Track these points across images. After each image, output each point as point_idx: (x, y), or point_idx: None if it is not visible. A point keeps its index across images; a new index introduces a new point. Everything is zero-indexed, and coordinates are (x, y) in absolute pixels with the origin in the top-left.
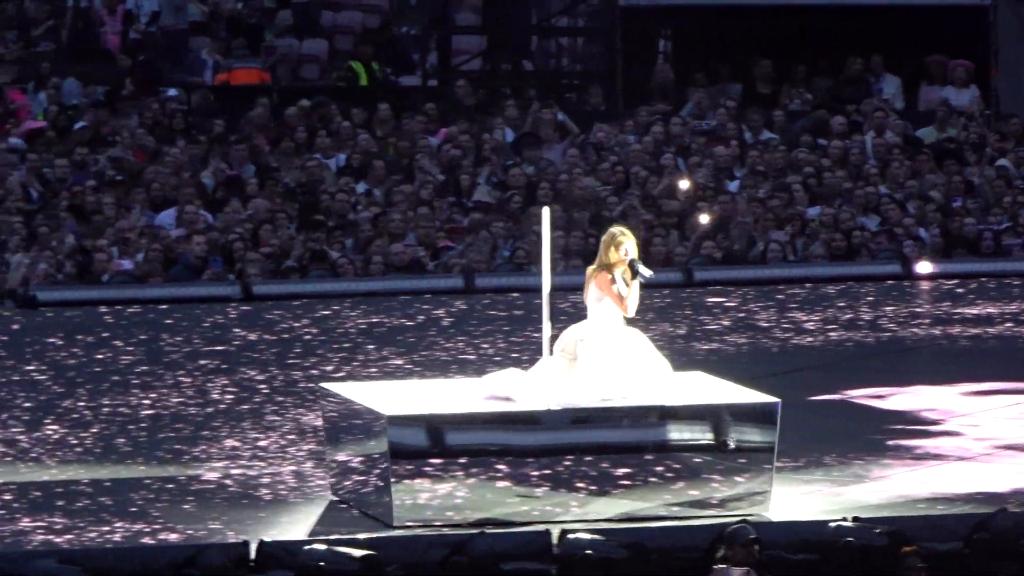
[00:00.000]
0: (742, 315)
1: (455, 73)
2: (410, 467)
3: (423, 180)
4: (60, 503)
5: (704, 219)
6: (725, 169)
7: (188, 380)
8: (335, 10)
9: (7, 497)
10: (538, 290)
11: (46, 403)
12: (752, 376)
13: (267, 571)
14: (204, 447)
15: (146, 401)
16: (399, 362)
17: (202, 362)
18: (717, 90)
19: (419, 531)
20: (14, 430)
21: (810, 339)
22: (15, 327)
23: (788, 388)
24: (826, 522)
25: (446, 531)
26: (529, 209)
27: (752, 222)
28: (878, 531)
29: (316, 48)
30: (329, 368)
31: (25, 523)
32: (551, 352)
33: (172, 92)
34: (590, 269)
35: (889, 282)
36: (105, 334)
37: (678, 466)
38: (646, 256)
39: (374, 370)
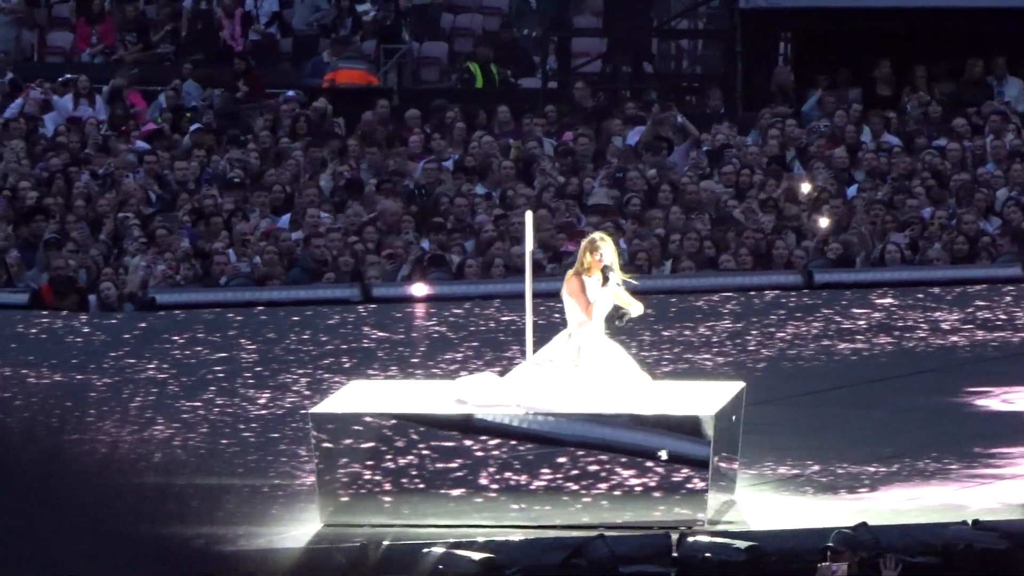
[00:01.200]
0: (879, 315)
1: (575, 75)
2: (335, 464)
3: (543, 183)
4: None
5: (823, 222)
6: (844, 172)
7: (306, 381)
8: (455, 12)
9: None
10: (661, 292)
11: (158, 403)
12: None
13: (386, 574)
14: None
15: (260, 401)
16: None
17: (325, 362)
18: (837, 92)
19: (535, 534)
20: (119, 430)
21: (940, 340)
22: (136, 329)
23: (906, 392)
24: (946, 525)
25: (564, 534)
26: (649, 211)
27: (871, 225)
28: (998, 535)
29: (436, 50)
30: (447, 368)
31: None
32: (535, 356)
33: (291, 94)
34: (568, 273)
35: (1008, 287)
36: (230, 332)
37: (603, 474)
38: (763, 258)
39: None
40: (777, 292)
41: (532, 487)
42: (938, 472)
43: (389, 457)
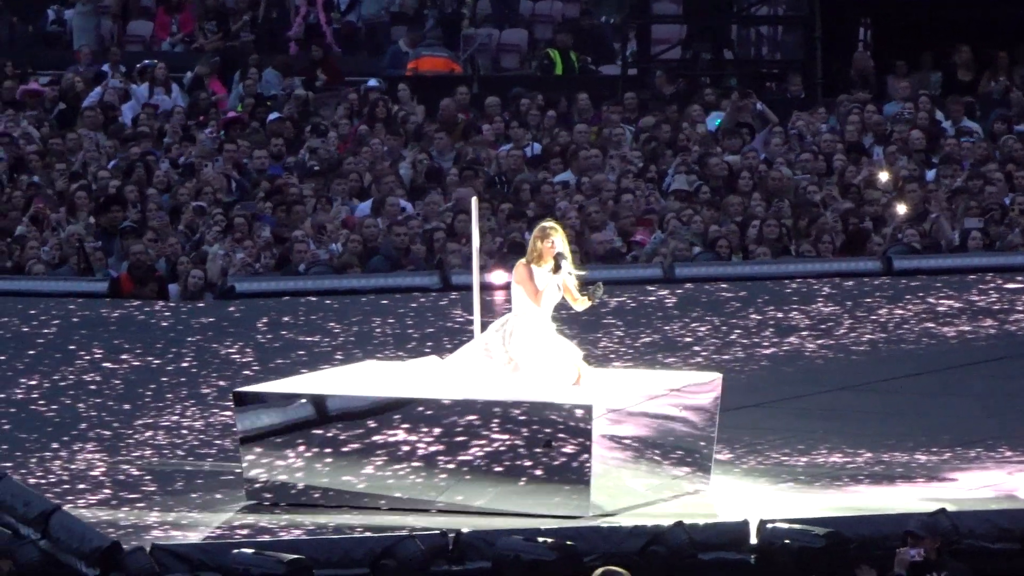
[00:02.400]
0: (976, 301)
1: (654, 62)
2: (255, 443)
3: (622, 170)
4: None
5: (902, 208)
6: (923, 157)
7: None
8: (535, 0)
9: (179, 485)
10: (737, 279)
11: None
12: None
13: (465, 561)
14: None
15: None
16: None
17: (409, 346)
18: (917, 78)
19: (610, 521)
20: (186, 416)
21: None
22: (215, 316)
23: (999, 378)
24: None
25: (643, 522)
26: (728, 198)
27: (949, 211)
28: None
29: (515, 37)
30: None
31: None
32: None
33: (372, 82)
34: (519, 261)
35: None
36: (312, 318)
37: (495, 459)
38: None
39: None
40: (860, 278)
41: (413, 471)
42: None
43: (299, 437)
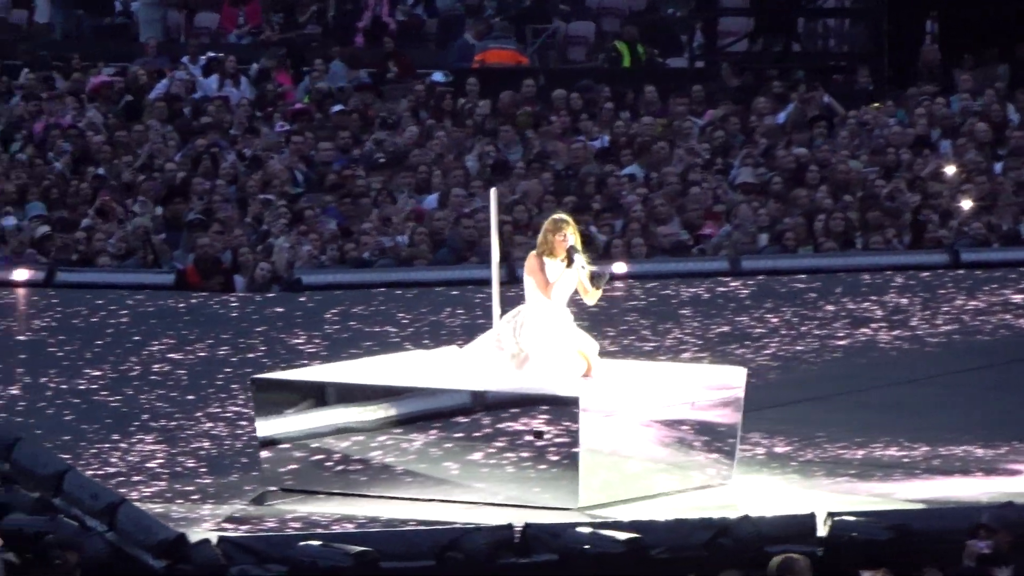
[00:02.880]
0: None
1: (721, 55)
2: (273, 430)
3: (689, 162)
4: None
5: (967, 202)
6: (991, 150)
7: None
8: None
9: (234, 477)
10: (804, 271)
11: None
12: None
13: (531, 553)
14: None
15: None
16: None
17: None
18: (984, 71)
19: (682, 516)
20: (248, 407)
21: None
22: (283, 308)
23: None
24: None
25: (710, 515)
26: (795, 191)
27: (1017, 203)
28: None
29: (583, 30)
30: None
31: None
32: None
33: (437, 75)
34: (531, 252)
35: None
36: (380, 309)
37: (485, 450)
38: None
39: (649, 346)
40: (925, 271)
41: (408, 460)
42: None
43: (314, 424)
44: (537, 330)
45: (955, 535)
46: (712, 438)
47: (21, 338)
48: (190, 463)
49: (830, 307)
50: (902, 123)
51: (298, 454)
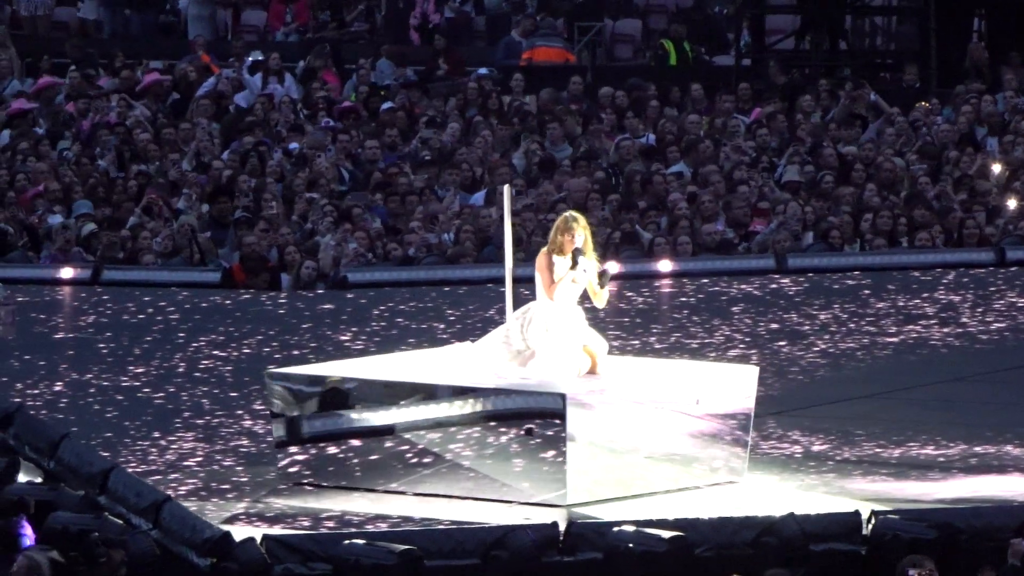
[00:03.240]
0: None
1: (769, 52)
2: (289, 424)
3: (735, 160)
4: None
5: (1013, 201)
6: None
7: None
8: None
9: (270, 475)
10: (850, 269)
11: None
12: None
13: (576, 552)
14: None
15: None
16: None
17: None
18: None
19: (727, 514)
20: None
21: None
22: (330, 304)
23: None
24: None
25: (755, 513)
26: (840, 188)
27: None
28: None
29: (630, 28)
30: (641, 342)
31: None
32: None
33: (483, 71)
34: (542, 249)
35: None
36: (428, 306)
37: (476, 445)
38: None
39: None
40: (972, 269)
41: (402, 454)
42: None
43: (324, 419)
44: (543, 327)
45: (1001, 533)
46: (720, 436)
47: (67, 335)
48: (228, 461)
49: (880, 304)
50: (949, 121)
51: (310, 448)
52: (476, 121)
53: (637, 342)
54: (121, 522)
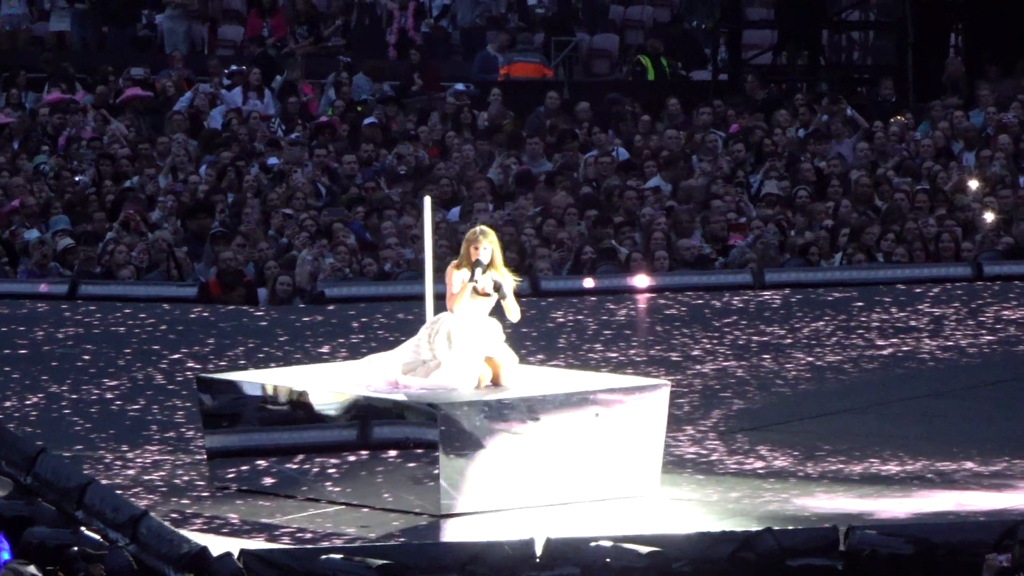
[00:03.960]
0: None
1: (746, 67)
2: (219, 430)
3: (712, 175)
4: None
5: (989, 216)
6: (1015, 163)
7: None
8: (625, 5)
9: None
10: (827, 284)
11: None
12: None
13: (554, 567)
14: None
15: None
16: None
17: None
18: (1008, 83)
19: (705, 528)
20: None
21: None
22: (307, 319)
23: None
24: None
25: (732, 527)
26: (817, 204)
27: None
28: None
29: (606, 43)
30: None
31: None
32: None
33: (459, 86)
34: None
35: None
36: (410, 319)
37: (359, 453)
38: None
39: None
40: (949, 283)
41: (305, 462)
42: None
43: (257, 425)
44: (447, 338)
45: (977, 548)
46: (632, 449)
47: (43, 349)
48: (187, 477)
49: (862, 318)
50: (925, 136)
51: (239, 454)
52: (450, 136)
53: (617, 355)
54: (98, 537)
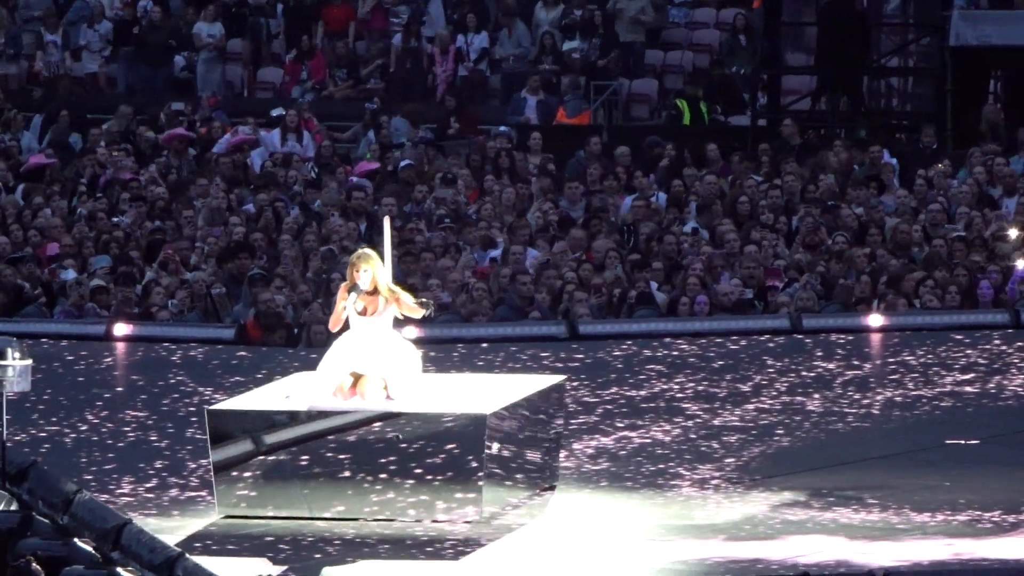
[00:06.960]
0: None
1: (785, 113)
2: (229, 457)
3: (751, 220)
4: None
5: (1022, 263)
6: None
7: None
8: (664, 49)
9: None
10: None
11: None
12: None
13: None
14: None
15: None
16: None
17: None
18: None
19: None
20: None
21: None
22: None
23: None
24: None
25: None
26: (853, 250)
27: None
28: None
29: (646, 87)
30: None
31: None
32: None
33: (502, 129)
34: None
35: None
36: (448, 363)
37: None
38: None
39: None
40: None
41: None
42: None
43: (273, 453)
44: (330, 352)
45: None
46: (528, 451)
47: (73, 387)
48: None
49: (898, 362)
50: (964, 182)
51: (248, 479)
52: (489, 180)
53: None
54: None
